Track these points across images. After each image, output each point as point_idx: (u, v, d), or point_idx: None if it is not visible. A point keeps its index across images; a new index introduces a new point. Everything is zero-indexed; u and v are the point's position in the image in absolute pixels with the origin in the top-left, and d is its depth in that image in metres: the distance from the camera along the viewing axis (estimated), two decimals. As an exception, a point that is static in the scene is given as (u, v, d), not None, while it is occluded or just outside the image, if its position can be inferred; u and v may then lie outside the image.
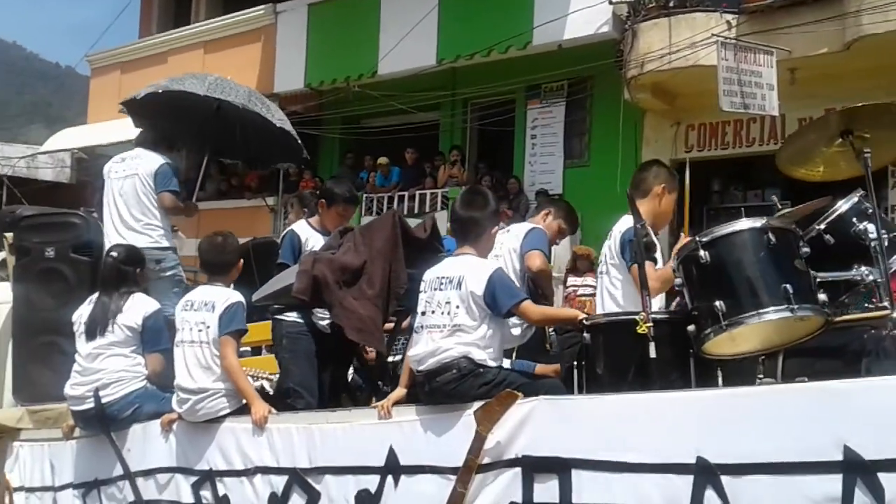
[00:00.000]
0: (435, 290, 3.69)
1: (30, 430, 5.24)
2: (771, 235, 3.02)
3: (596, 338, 3.41)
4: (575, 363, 3.53)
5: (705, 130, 12.65)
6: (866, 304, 3.34)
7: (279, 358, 4.99)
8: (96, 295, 4.81)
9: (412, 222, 4.79)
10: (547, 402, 3.24)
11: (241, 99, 6.04)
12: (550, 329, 4.33)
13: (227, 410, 4.30)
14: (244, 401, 4.25)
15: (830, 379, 2.85)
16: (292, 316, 4.77)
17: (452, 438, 3.43)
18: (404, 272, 4.37)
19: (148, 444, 4.50)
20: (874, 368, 3.04)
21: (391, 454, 3.60)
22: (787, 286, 2.93)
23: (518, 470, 3.23)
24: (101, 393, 4.55)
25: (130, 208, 5.57)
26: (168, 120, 6.28)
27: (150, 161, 5.66)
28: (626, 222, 3.90)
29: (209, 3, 18.16)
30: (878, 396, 2.59)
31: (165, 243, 5.65)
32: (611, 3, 11.80)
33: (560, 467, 3.11)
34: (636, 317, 3.19)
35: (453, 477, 3.35)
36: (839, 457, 2.56)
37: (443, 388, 3.52)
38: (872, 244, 3.10)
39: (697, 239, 3.16)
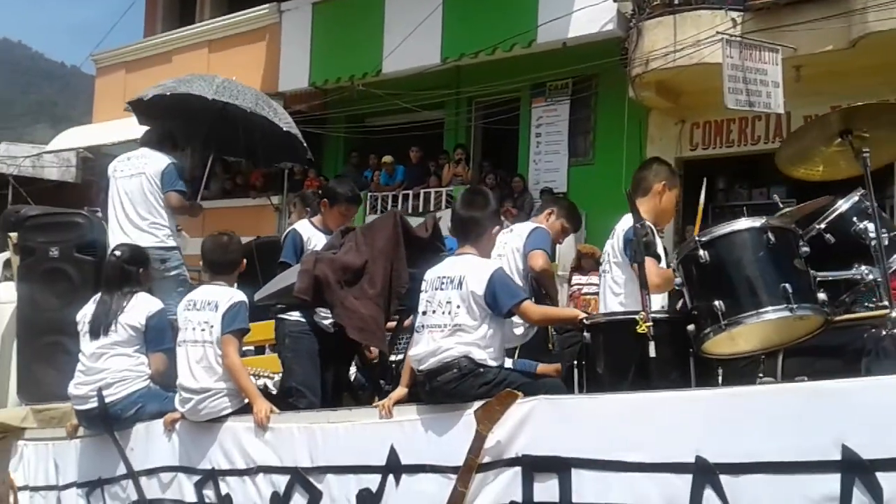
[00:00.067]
0: (436, 289, 3.70)
1: (34, 429, 5.26)
2: (770, 235, 3.02)
3: (596, 337, 3.41)
4: (575, 362, 3.53)
5: (710, 128, 12.63)
6: (867, 304, 3.34)
7: (282, 357, 5.00)
8: (100, 294, 4.82)
9: (416, 221, 4.80)
10: (547, 401, 3.25)
11: (249, 103, 6.06)
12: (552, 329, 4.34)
13: (230, 410, 4.31)
14: (246, 400, 4.26)
15: (830, 378, 2.85)
16: (295, 315, 4.78)
17: (453, 438, 3.44)
18: (406, 271, 4.38)
19: (151, 444, 4.51)
20: (874, 368, 3.03)
21: (392, 453, 3.61)
22: (787, 286, 2.93)
23: (518, 469, 3.23)
24: (104, 392, 4.56)
25: (136, 207, 5.60)
26: (174, 120, 6.30)
27: (157, 161, 5.69)
28: (628, 221, 3.89)
29: (214, 3, 18.17)
30: (876, 396, 2.59)
31: (170, 243, 5.68)
32: (615, 0, 11.78)
33: (560, 467, 3.11)
34: (636, 316, 3.19)
35: (454, 476, 3.35)
36: (837, 456, 2.56)
37: (443, 388, 3.52)
38: (872, 243, 3.09)
39: (697, 238, 3.16)
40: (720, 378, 3.40)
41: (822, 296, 3.00)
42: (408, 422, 3.64)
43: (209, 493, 4.22)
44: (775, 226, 3.07)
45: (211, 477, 4.22)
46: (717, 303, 3.00)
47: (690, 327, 3.13)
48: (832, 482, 2.56)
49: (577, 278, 11.30)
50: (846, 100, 10.99)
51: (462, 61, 13.39)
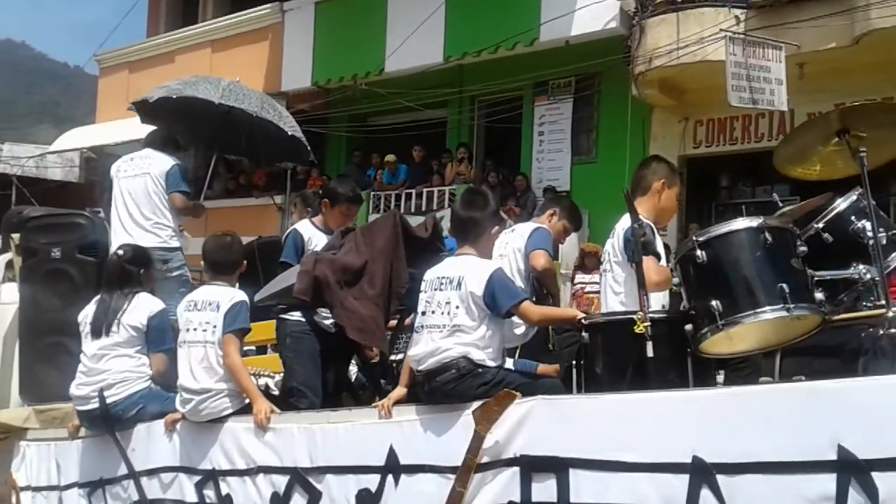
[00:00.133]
0: (435, 290, 3.70)
1: (36, 429, 5.27)
2: (767, 235, 3.02)
3: (594, 337, 3.42)
4: (574, 362, 3.53)
5: (713, 126, 12.63)
6: (865, 304, 3.33)
7: (283, 357, 5.01)
8: (100, 294, 4.83)
9: (419, 220, 4.80)
10: (545, 401, 3.25)
11: (255, 107, 6.07)
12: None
13: (230, 410, 4.32)
14: (247, 400, 4.27)
15: (828, 378, 2.85)
16: (296, 315, 4.79)
17: (452, 438, 3.44)
18: (406, 271, 4.38)
19: (152, 444, 4.52)
20: (871, 367, 3.03)
21: (391, 454, 3.62)
22: (784, 285, 2.93)
23: (516, 469, 3.24)
24: (105, 393, 4.57)
25: (140, 207, 5.61)
26: (178, 121, 6.32)
27: (162, 162, 5.71)
28: (628, 220, 3.89)
29: (216, 2, 18.21)
30: (872, 396, 2.59)
31: (173, 244, 5.69)
32: (618, -2, 11.79)
33: (558, 467, 3.12)
34: (634, 316, 3.19)
35: (453, 476, 3.36)
36: (833, 456, 2.56)
37: (442, 388, 3.53)
38: (870, 242, 3.08)
39: (694, 238, 3.16)
40: (721, 377, 3.40)
41: (819, 295, 3.00)
42: (407, 422, 3.65)
43: (210, 493, 4.23)
44: (772, 226, 3.06)
45: (211, 477, 4.23)
46: (714, 303, 3.00)
47: (688, 327, 3.13)
48: (828, 482, 2.57)
49: (580, 277, 11.29)
50: (850, 97, 11.03)
51: (465, 60, 13.39)
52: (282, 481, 3.97)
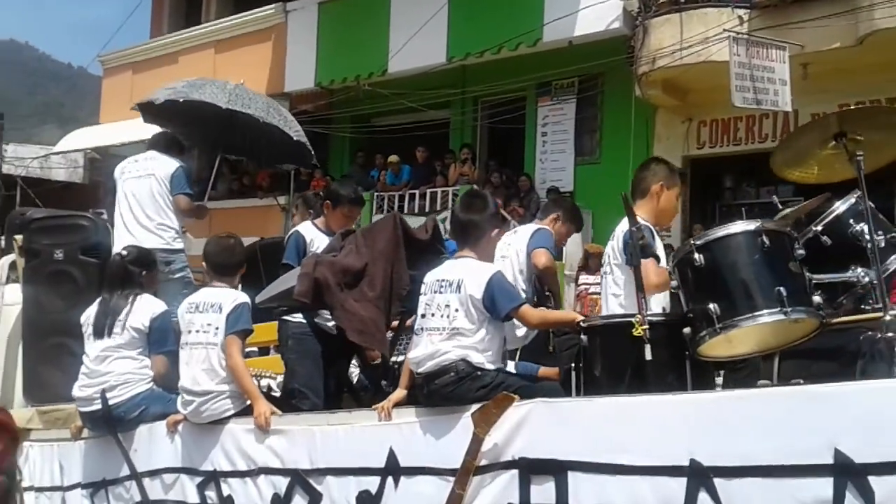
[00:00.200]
0: (435, 292, 3.71)
1: (39, 430, 5.29)
2: (765, 238, 3.02)
3: (593, 340, 3.42)
4: (573, 365, 3.54)
5: (717, 126, 12.63)
6: (863, 306, 3.33)
7: (285, 359, 5.03)
8: (102, 295, 4.85)
9: (421, 221, 4.81)
10: (543, 404, 3.26)
11: (261, 112, 6.08)
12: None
13: (232, 412, 4.32)
14: (248, 402, 4.28)
15: (827, 381, 2.86)
16: (298, 317, 4.81)
17: (451, 440, 3.45)
18: (406, 273, 4.39)
19: (154, 445, 4.54)
20: (869, 370, 3.04)
21: (391, 456, 3.63)
22: (781, 289, 2.93)
23: (515, 472, 3.24)
24: (107, 395, 4.57)
25: (145, 208, 5.63)
26: (182, 122, 6.34)
27: (166, 163, 5.73)
28: (628, 222, 3.90)
29: (220, 3, 18.25)
30: (868, 400, 2.60)
31: (176, 245, 5.71)
32: (621, -2, 11.80)
33: (556, 469, 3.13)
34: (632, 319, 3.19)
35: (452, 478, 3.37)
36: (830, 460, 2.57)
37: (441, 391, 3.54)
38: (868, 245, 3.08)
39: (692, 242, 3.16)
40: (721, 381, 3.41)
41: (817, 299, 3.00)
42: (406, 424, 3.66)
43: (211, 494, 4.24)
44: (770, 229, 3.07)
45: (213, 478, 4.24)
46: (712, 306, 3.00)
47: (686, 330, 3.13)
48: (825, 486, 2.57)
49: (584, 278, 11.31)
50: (854, 97, 11.01)
51: (468, 61, 13.41)
52: (283, 483, 3.98)
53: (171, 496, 4.42)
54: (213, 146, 7.10)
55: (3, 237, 6.44)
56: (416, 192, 14.19)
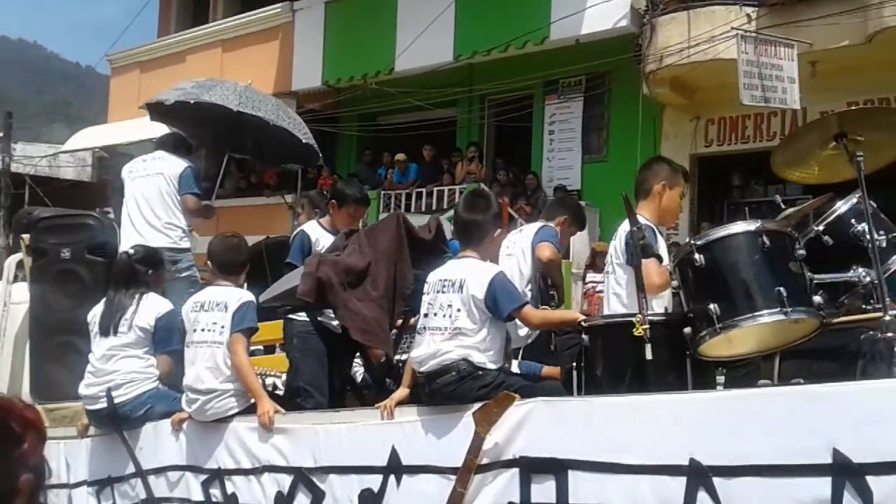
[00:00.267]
0: (437, 292, 3.72)
1: (46, 428, 5.32)
2: (765, 238, 3.02)
3: (594, 340, 3.42)
4: (574, 364, 3.54)
5: (725, 125, 12.61)
6: (865, 306, 3.32)
7: (290, 357, 5.05)
8: (108, 293, 4.88)
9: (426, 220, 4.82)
10: (543, 403, 3.27)
11: (271, 115, 6.11)
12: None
13: (236, 410, 4.34)
14: (253, 400, 4.30)
15: (827, 381, 2.86)
16: (303, 315, 4.82)
17: (453, 439, 3.46)
18: (411, 273, 4.40)
19: (159, 443, 4.56)
20: (869, 370, 3.04)
21: (393, 454, 3.64)
22: (781, 289, 2.92)
23: (516, 470, 3.25)
24: (113, 393, 4.60)
25: (153, 207, 5.66)
26: (189, 121, 6.37)
27: (175, 163, 5.77)
28: (629, 223, 3.90)
29: (227, 2, 18.30)
30: (867, 400, 2.60)
31: (183, 245, 5.75)
32: (628, -4, 11.78)
33: (557, 468, 3.13)
34: (633, 319, 3.20)
35: (453, 477, 3.38)
36: (829, 460, 2.57)
37: (442, 390, 3.55)
38: (869, 245, 3.07)
39: (692, 242, 3.16)
40: (721, 384, 3.41)
41: (817, 299, 3.00)
42: (408, 423, 3.67)
43: (215, 491, 4.27)
44: (770, 229, 3.07)
45: (217, 476, 4.26)
46: (712, 306, 3.00)
47: (686, 330, 3.14)
48: (823, 485, 2.58)
49: (591, 276, 11.30)
50: (862, 95, 10.95)
51: (475, 59, 13.41)
52: (286, 481, 4.00)
53: (176, 494, 4.44)
54: (220, 146, 7.14)
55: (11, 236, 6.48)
56: (423, 190, 14.21)
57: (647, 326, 3.13)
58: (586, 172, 13.58)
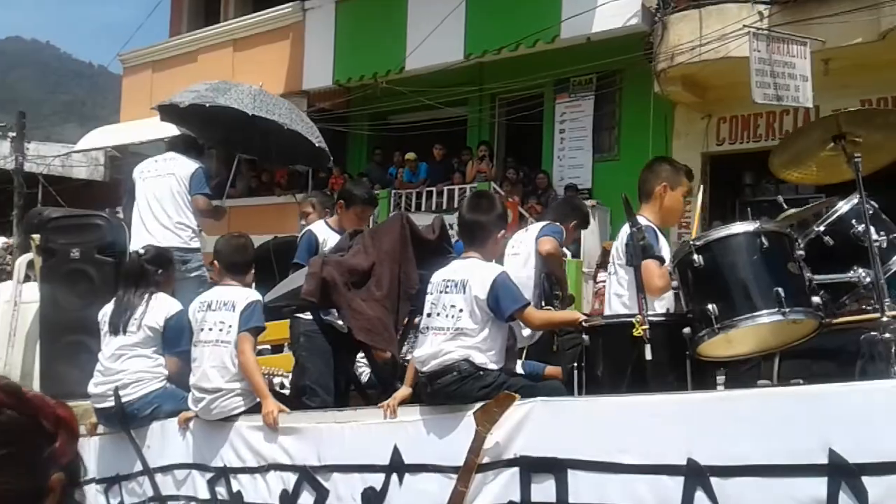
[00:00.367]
0: (441, 292, 3.74)
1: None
2: (764, 239, 3.02)
3: (595, 340, 3.44)
4: (575, 364, 3.55)
5: (737, 123, 12.54)
6: (865, 307, 3.31)
7: (296, 356, 5.09)
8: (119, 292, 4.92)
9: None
10: (543, 403, 3.28)
11: (285, 118, 6.15)
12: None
13: (242, 409, 4.37)
14: (258, 399, 4.33)
15: (827, 381, 2.85)
16: (310, 315, 4.84)
17: (454, 438, 3.48)
18: (415, 273, 4.41)
19: (166, 442, 4.60)
20: (868, 370, 3.03)
21: (396, 453, 3.66)
22: (779, 290, 2.93)
23: (516, 470, 3.26)
24: (120, 392, 4.64)
25: (164, 207, 5.71)
26: (200, 122, 6.41)
27: (186, 164, 5.82)
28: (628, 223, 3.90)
29: (238, 2, 18.37)
30: (863, 400, 2.61)
31: (193, 245, 5.80)
32: (639, -6, 11.74)
33: (556, 468, 3.14)
34: (632, 319, 3.20)
35: (455, 475, 3.39)
36: (825, 460, 2.57)
37: (444, 390, 3.57)
38: (874, 245, 3.06)
39: (691, 242, 3.16)
40: (722, 381, 3.41)
41: (816, 299, 3.00)
42: (411, 422, 3.69)
43: (221, 490, 4.30)
44: (769, 230, 3.07)
45: (223, 474, 4.30)
46: (710, 306, 3.00)
47: (686, 330, 3.14)
48: (819, 485, 2.58)
49: (602, 275, 11.25)
50: (876, 93, 10.86)
51: (485, 58, 13.40)
52: (291, 479, 4.03)
53: (183, 492, 4.48)
54: (230, 147, 7.18)
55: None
56: (434, 189, 14.21)
57: (646, 327, 3.14)
58: (597, 171, 13.55)
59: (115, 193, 16.26)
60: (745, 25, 10.50)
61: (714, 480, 2.76)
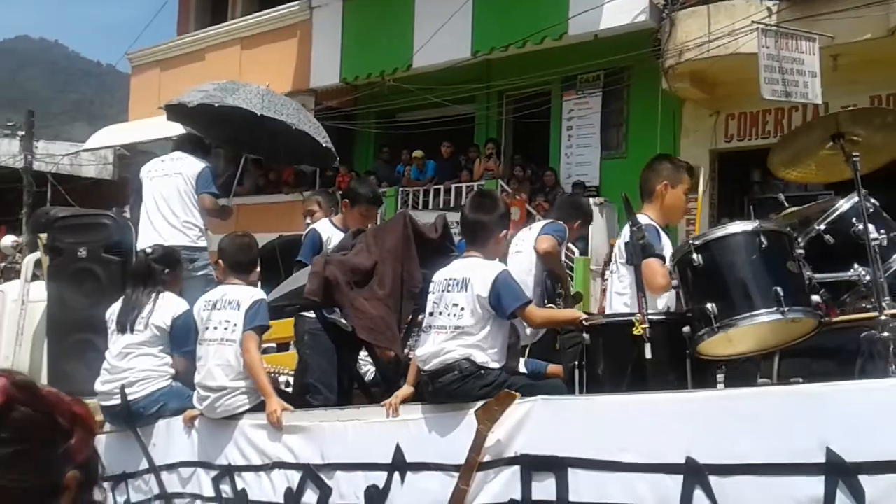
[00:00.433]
0: (443, 291, 3.75)
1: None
2: (763, 238, 3.02)
3: (595, 339, 3.44)
4: (576, 363, 3.56)
5: (745, 120, 12.48)
6: (865, 305, 3.31)
7: (301, 354, 5.10)
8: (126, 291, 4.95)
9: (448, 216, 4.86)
10: (544, 402, 3.29)
11: (293, 119, 6.17)
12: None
13: (246, 407, 4.39)
14: (262, 397, 4.35)
15: (827, 380, 2.85)
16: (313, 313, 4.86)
17: (456, 437, 3.49)
18: (419, 272, 4.43)
19: (171, 440, 4.63)
20: (867, 369, 3.03)
21: (398, 451, 3.67)
22: (778, 289, 2.93)
23: (517, 468, 3.27)
24: (126, 390, 4.66)
25: (171, 206, 5.74)
26: (208, 123, 6.44)
27: (193, 163, 5.85)
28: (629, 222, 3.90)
29: (245, 0, 18.39)
30: (860, 400, 2.61)
31: (200, 244, 5.83)
32: (647, -10, 11.71)
33: (557, 466, 3.15)
34: (633, 318, 3.21)
35: (456, 474, 3.41)
36: (822, 459, 2.58)
37: (445, 389, 3.58)
38: (873, 244, 3.06)
39: (690, 242, 3.17)
40: (722, 379, 3.41)
41: (815, 298, 2.99)
42: (413, 421, 3.71)
43: (226, 487, 4.32)
44: (768, 229, 3.07)
45: (227, 472, 4.32)
46: (709, 305, 3.01)
47: (686, 329, 3.14)
48: (816, 484, 2.58)
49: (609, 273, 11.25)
50: (885, 89, 10.80)
51: (492, 55, 13.39)
52: (295, 477, 4.05)
53: (188, 489, 4.51)
54: (236, 146, 7.21)
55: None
56: (441, 187, 14.22)
57: (646, 326, 3.14)
58: (605, 168, 13.52)
59: (124, 192, 16.36)
60: (753, 21, 10.46)
61: (713, 479, 2.77)
